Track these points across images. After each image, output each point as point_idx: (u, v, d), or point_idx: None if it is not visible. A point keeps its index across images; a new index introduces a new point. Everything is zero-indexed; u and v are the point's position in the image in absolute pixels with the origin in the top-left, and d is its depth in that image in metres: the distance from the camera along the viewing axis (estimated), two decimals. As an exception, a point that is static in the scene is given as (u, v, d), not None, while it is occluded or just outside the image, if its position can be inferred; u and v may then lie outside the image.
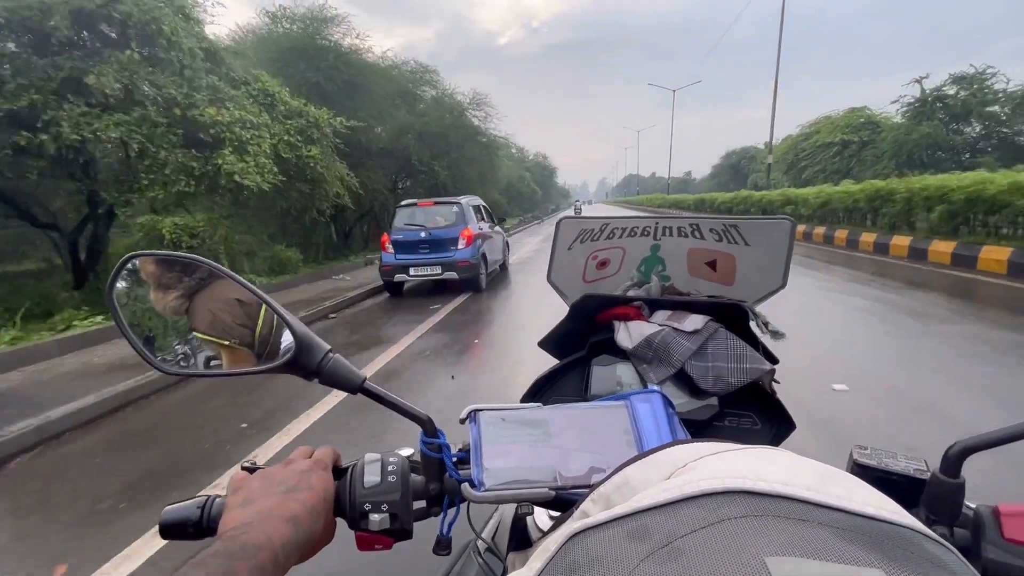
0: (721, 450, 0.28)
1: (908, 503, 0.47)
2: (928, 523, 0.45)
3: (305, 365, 0.49)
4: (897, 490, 0.48)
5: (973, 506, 0.45)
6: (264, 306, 0.51)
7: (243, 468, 0.47)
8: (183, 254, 0.51)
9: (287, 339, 0.49)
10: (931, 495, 0.46)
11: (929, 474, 0.47)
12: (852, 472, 0.50)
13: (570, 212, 46.52)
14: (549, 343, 0.81)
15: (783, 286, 0.78)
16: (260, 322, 0.52)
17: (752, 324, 0.73)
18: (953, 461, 0.44)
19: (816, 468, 0.25)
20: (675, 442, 0.31)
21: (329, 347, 0.50)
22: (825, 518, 0.21)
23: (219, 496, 0.46)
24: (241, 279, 0.50)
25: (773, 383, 0.70)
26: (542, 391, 0.76)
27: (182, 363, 0.53)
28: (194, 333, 0.53)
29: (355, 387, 0.49)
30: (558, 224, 0.83)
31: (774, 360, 0.70)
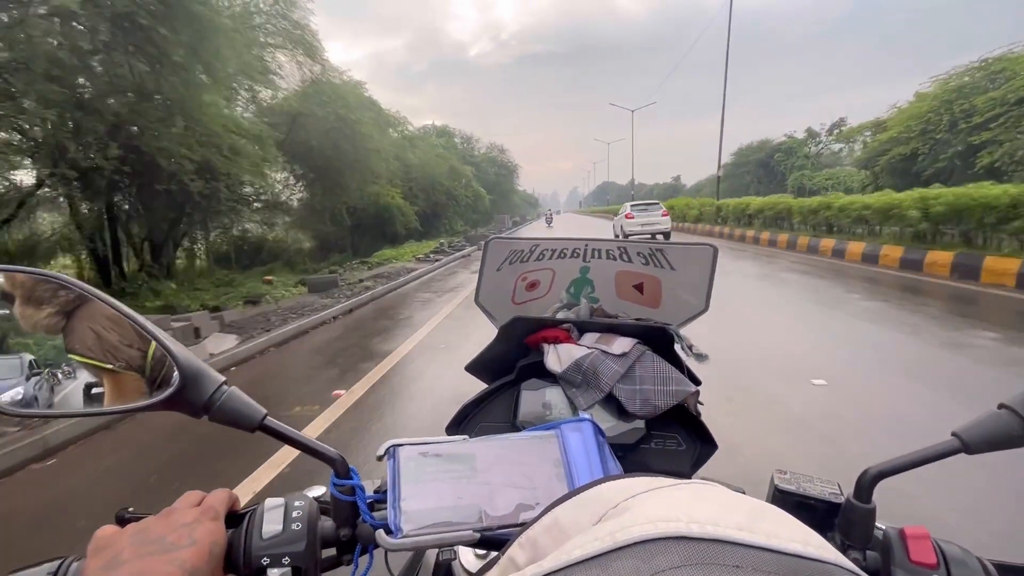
0: (652, 487, 0.27)
1: (825, 527, 0.49)
2: (843, 547, 0.47)
3: (192, 400, 0.43)
4: (815, 514, 0.49)
5: (884, 527, 0.46)
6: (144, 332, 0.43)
7: (117, 519, 0.40)
8: (49, 272, 0.43)
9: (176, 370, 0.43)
10: (845, 520, 0.47)
11: (843, 498, 0.48)
12: (774, 497, 0.52)
13: (541, 222, 46.57)
14: (477, 367, 0.79)
15: (706, 310, 0.80)
16: (154, 344, 0.45)
17: (677, 347, 0.74)
18: (865, 487, 0.46)
19: (746, 504, 0.25)
20: (605, 478, 0.30)
21: (223, 379, 0.45)
22: (756, 561, 0.21)
23: (77, 559, 0.39)
24: (112, 300, 0.43)
25: (697, 404, 0.71)
26: (469, 417, 0.74)
27: (30, 402, 0.44)
28: (71, 356, 0.44)
29: (253, 424, 0.44)
30: (486, 245, 0.82)
31: (697, 382, 0.71)
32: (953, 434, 0.45)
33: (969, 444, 0.44)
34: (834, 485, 0.52)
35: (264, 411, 0.45)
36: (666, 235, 16.44)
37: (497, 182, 43.90)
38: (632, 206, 17.97)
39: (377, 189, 18.17)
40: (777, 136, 38.87)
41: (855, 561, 0.45)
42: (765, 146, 39.25)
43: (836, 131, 35.40)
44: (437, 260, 14.09)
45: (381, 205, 19.14)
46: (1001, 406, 0.44)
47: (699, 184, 57.95)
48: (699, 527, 0.22)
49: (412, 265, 13.31)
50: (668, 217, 17.26)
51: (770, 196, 17.92)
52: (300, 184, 16.68)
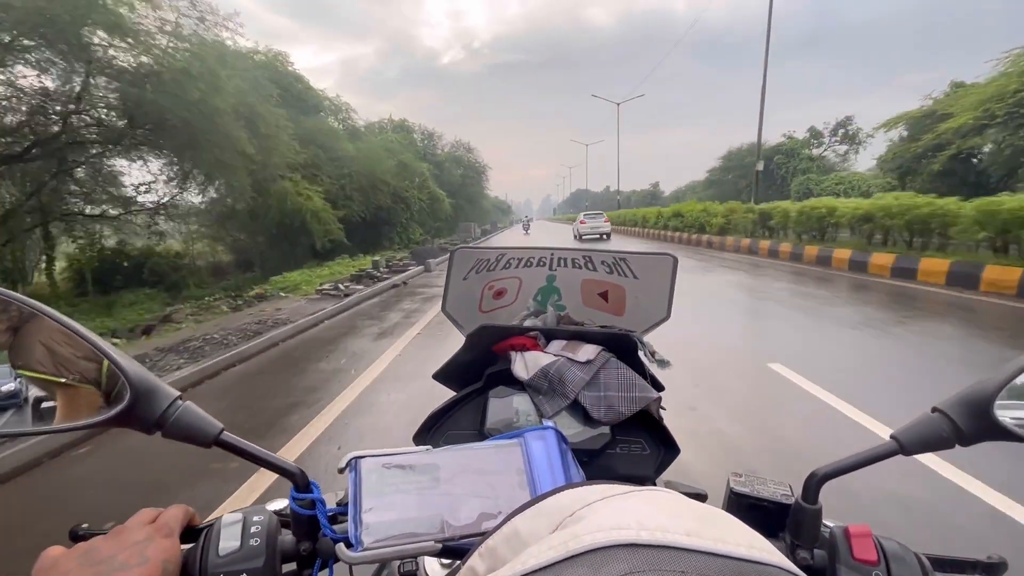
0: (607, 494, 0.28)
1: (777, 526, 0.51)
2: (792, 547, 0.49)
3: (143, 417, 0.42)
4: (768, 514, 0.52)
5: (831, 525, 0.48)
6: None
7: (71, 535, 0.39)
8: None
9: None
10: (794, 520, 0.49)
11: (793, 499, 0.51)
12: (729, 499, 0.54)
13: (516, 229, 46.14)
14: (445, 375, 0.79)
15: (667, 318, 0.83)
16: (105, 360, 0.43)
17: (640, 354, 0.75)
18: (812, 489, 0.48)
19: (696, 511, 0.26)
20: (564, 487, 0.31)
21: (178, 393, 0.43)
22: (701, 566, 0.22)
23: None
24: (60, 315, 0.41)
25: (660, 410, 0.73)
26: (437, 426, 0.74)
27: None
28: (20, 372, 0.43)
29: (210, 439, 0.43)
30: (452, 254, 0.82)
31: (660, 387, 0.73)
32: (891, 436, 0.47)
33: (905, 446, 0.46)
34: (785, 487, 0.54)
35: (220, 426, 0.44)
36: (607, 235, 24.66)
37: (463, 185, 36.93)
38: (584, 214, 26.99)
39: (285, 186, 13.55)
40: (768, 139, 33.26)
41: (802, 560, 0.47)
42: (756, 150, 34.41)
43: (841, 131, 32.41)
44: (350, 295, 8.50)
45: (288, 208, 13.85)
46: (934, 409, 0.47)
47: (679, 191, 55.11)
48: (648, 534, 0.23)
49: (299, 305, 7.81)
50: (609, 223, 25.65)
51: (810, 200, 14.53)
52: (186, 180, 12.22)
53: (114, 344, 0.44)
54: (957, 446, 0.46)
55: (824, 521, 0.49)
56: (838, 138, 33.06)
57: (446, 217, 28.97)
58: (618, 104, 39.52)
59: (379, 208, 19.69)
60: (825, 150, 33.40)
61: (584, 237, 23.83)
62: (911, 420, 0.47)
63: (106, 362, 0.43)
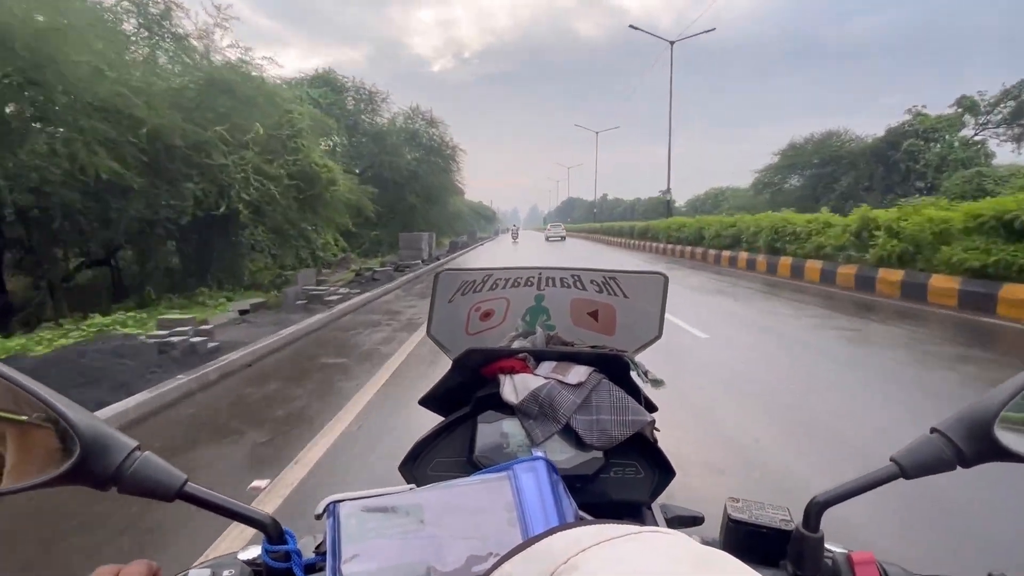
0: (602, 537, 0.26)
1: (777, 554, 0.50)
2: None
3: (97, 472, 0.38)
4: (767, 541, 0.50)
5: (834, 550, 0.47)
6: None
7: None
8: None
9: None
10: (795, 550, 0.48)
11: (793, 525, 0.49)
12: (727, 527, 0.52)
13: (501, 240, 46.06)
14: (431, 401, 0.76)
15: (659, 336, 0.81)
16: (47, 409, 0.38)
17: (633, 374, 0.74)
18: (813, 516, 0.47)
19: (695, 553, 0.25)
20: (555, 528, 0.29)
21: (135, 443, 0.40)
22: None
23: None
24: None
25: (655, 431, 0.71)
26: (423, 454, 0.72)
27: None
28: None
29: (172, 492, 0.40)
30: (436, 276, 0.81)
31: (653, 408, 0.71)
32: (892, 459, 0.46)
33: (907, 470, 0.45)
34: (785, 512, 0.52)
35: (184, 476, 0.42)
36: (563, 237, 39.38)
37: (419, 174, 22.99)
38: (551, 224, 47.59)
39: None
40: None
41: None
42: (829, 142, 24.94)
43: (1011, 103, 21.12)
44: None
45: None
46: (933, 430, 0.46)
47: (695, 200, 47.01)
48: None
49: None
50: (564, 229, 44.04)
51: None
52: None
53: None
54: (959, 468, 0.45)
55: (827, 546, 0.48)
56: (1005, 114, 21.88)
57: (373, 220, 17.25)
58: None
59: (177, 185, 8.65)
60: (985, 130, 22.70)
61: (550, 239, 39.34)
62: (910, 442, 0.46)
63: (44, 416, 0.39)
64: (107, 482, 0.39)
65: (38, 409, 0.38)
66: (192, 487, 0.42)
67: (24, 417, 0.39)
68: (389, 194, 20.48)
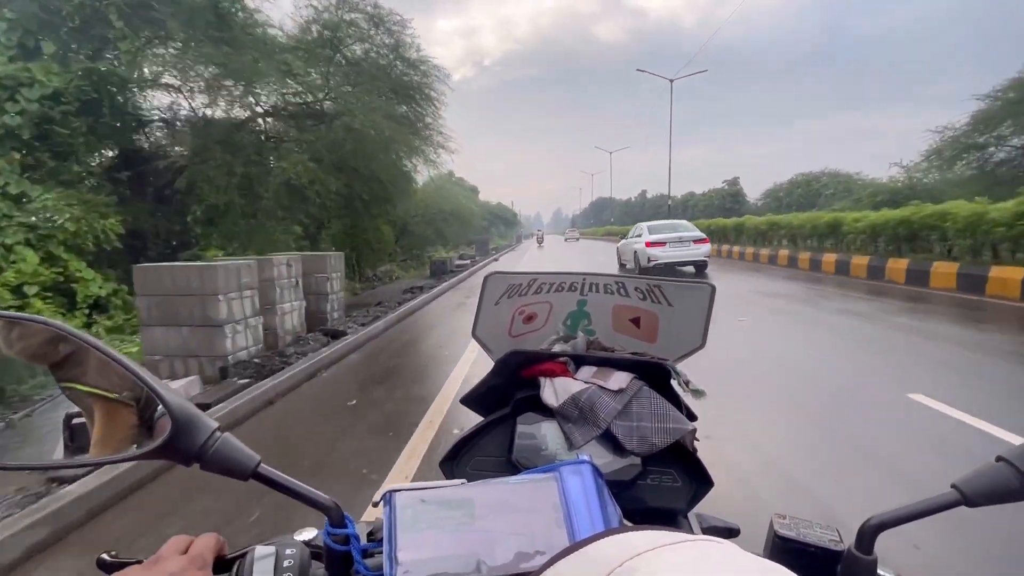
0: (656, 544, 0.26)
1: (823, 574, 0.48)
2: None
3: (184, 449, 0.42)
4: (814, 561, 0.49)
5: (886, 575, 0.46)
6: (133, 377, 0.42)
7: (98, 564, 0.39)
8: (36, 317, 0.42)
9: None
10: (847, 571, 0.46)
11: (843, 546, 0.48)
12: (773, 543, 0.51)
13: (526, 245, 44.99)
14: (473, 400, 0.78)
15: (703, 346, 0.81)
16: (145, 390, 0.42)
17: (674, 382, 0.74)
18: (867, 537, 0.46)
19: (755, 565, 0.25)
20: (607, 532, 0.30)
21: (216, 424, 0.44)
22: None
23: None
24: (102, 344, 0.41)
25: (695, 441, 0.71)
26: (464, 452, 0.73)
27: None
28: (66, 384, 0.43)
29: (247, 472, 0.43)
30: (485, 279, 0.82)
31: (693, 418, 0.71)
32: (953, 486, 0.45)
33: (969, 497, 0.44)
34: (834, 532, 0.51)
35: (258, 458, 0.44)
36: (578, 238, 48.88)
37: (384, 140, 9.83)
38: (568, 229, 47.51)
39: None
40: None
41: None
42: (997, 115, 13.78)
43: None
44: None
45: None
46: (999, 459, 0.44)
47: (776, 190, 39.57)
48: None
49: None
50: (578, 233, 56.34)
51: None
52: None
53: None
54: None
55: (879, 571, 0.46)
56: None
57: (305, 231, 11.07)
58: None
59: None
60: None
61: (567, 239, 46.94)
62: (973, 469, 0.45)
63: (142, 396, 0.43)
64: (192, 459, 0.42)
65: (131, 387, 0.42)
66: (265, 468, 0.44)
67: (116, 395, 0.43)
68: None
